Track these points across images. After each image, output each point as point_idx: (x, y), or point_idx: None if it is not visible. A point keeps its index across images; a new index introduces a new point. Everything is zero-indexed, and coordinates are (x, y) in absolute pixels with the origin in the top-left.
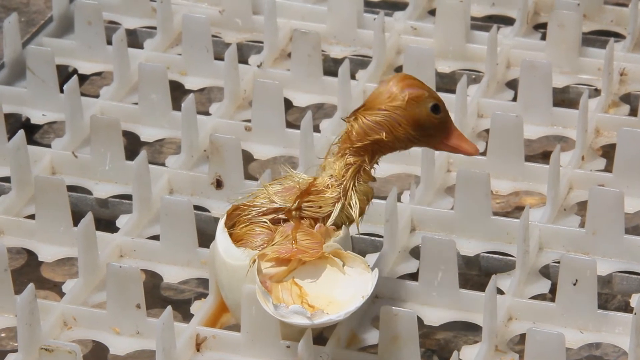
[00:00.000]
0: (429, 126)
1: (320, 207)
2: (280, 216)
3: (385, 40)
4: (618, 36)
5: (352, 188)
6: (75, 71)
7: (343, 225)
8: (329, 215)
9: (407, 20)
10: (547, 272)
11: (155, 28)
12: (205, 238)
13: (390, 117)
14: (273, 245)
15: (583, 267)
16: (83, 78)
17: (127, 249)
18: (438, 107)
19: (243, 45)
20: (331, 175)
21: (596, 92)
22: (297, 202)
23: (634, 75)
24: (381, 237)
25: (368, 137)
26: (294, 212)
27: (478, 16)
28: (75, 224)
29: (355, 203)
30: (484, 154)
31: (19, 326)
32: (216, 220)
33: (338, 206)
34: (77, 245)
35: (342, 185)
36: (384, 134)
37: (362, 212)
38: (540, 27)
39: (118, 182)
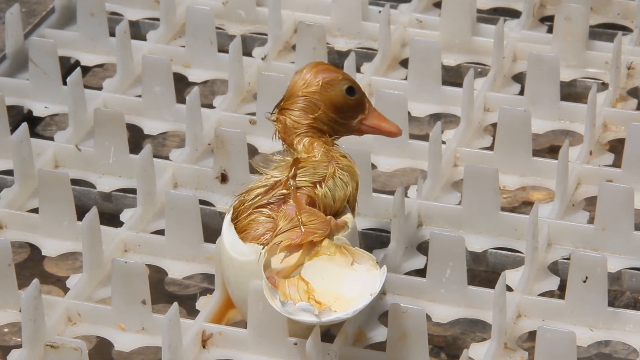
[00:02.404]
0: (346, 108)
1: (315, 168)
2: (280, 191)
3: (390, 33)
4: (625, 29)
5: (332, 152)
6: (77, 63)
7: (350, 218)
8: (324, 178)
9: (413, 12)
10: (555, 268)
11: (158, 19)
12: (210, 232)
13: (310, 102)
14: (280, 231)
15: (593, 264)
16: (85, 70)
17: (132, 244)
18: (352, 89)
19: (246, 37)
20: (307, 155)
21: (603, 85)
22: (292, 169)
23: None
24: (388, 232)
25: (301, 122)
26: (291, 181)
27: (484, 9)
28: (79, 218)
29: (343, 163)
30: (491, 148)
31: (23, 322)
32: (221, 214)
33: (331, 166)
34: (82, 241)
35: (323, 151)
36: (310, 116)
37: (354, 173)
38: (547, 20)
39: (122, 176)
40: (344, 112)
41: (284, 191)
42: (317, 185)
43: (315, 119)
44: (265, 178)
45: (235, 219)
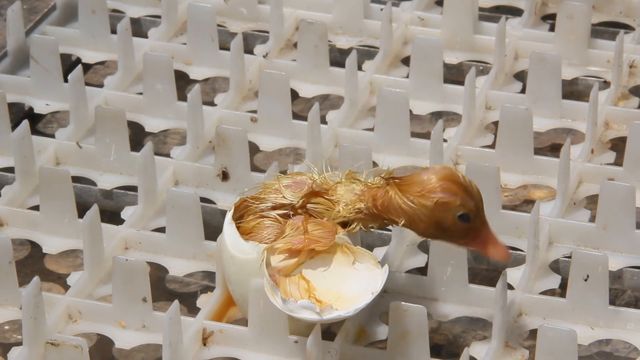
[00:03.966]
0: (452, 231)
1: (327, 209)
2: (286, 211)
3: (392, 30)
4: (627, 28)
5: (355, 222)
6: (78, 60)
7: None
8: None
9: (415, 10)
10: (556, 267)
11: (159, 17)
12: (211, 230)
13: (415, 211)
14: (284, 237)
15: (595, 263)
16: (86, 67)
17: (133, 242)
18: (467, 216)
19: (248, 35)
20: (345, 204)
21: (605, 84)
22: (302, 200)
23: None
24: (389, 230)
25: (388, 214)
26: (299, 210)
27: (485, 7)
28: (80, 215)
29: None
30: (492, 146)
31: (23, 320)
32: (222, 212)
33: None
34: (83, 238)
35: (347, 215)
36: (403, 221)
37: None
38: (549, 18)
39: (123, 173)
40: (449, 233)
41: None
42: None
43: (406, 225)
44: (277, 195)
45: (237, 218)
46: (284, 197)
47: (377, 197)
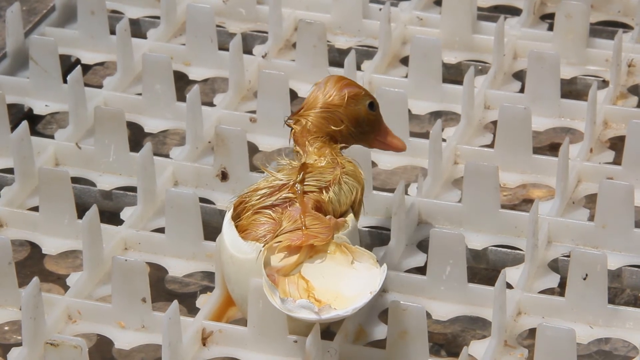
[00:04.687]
0: (366, 122)
1: (321, 173)
2: (285, 194)
3: (391, 30)
4: (625, 27)
5: (339, 158)
6: (77, 61)
7: (351, 217)
8: (330, 183)
9: (413, 10)
10: (555, 266)
11: (158, 18)
12: (210, 230)
13: (334, 115)
14: (282, 231)
15: (593, 262)
16: (85, 68)
17: (132, 242)
18: (373, 104)
19: (247, 35)
20: (315, 159)
21: (604, 83)
22: (301, 174)
23: None
24: (388, 230)
25: (323, 130)
26: (297, 186)
27: (484, 6)
28: (79, 216)
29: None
30: (491, 146)
31: (23, 320)
32: (221, 212)
33: (337, 171)
34: (82, 239)
35: (330, 158)
36: (332, 127)
37: (359, 178)
38: (547, 18)
39: (122, 174)
40: (363, 126)
41: (290, 195)
42: (323, 191)
43: (336, 131)
44: (271, 179)
45: (236, 218)
46: (277, 179)
47: (305, 128)
